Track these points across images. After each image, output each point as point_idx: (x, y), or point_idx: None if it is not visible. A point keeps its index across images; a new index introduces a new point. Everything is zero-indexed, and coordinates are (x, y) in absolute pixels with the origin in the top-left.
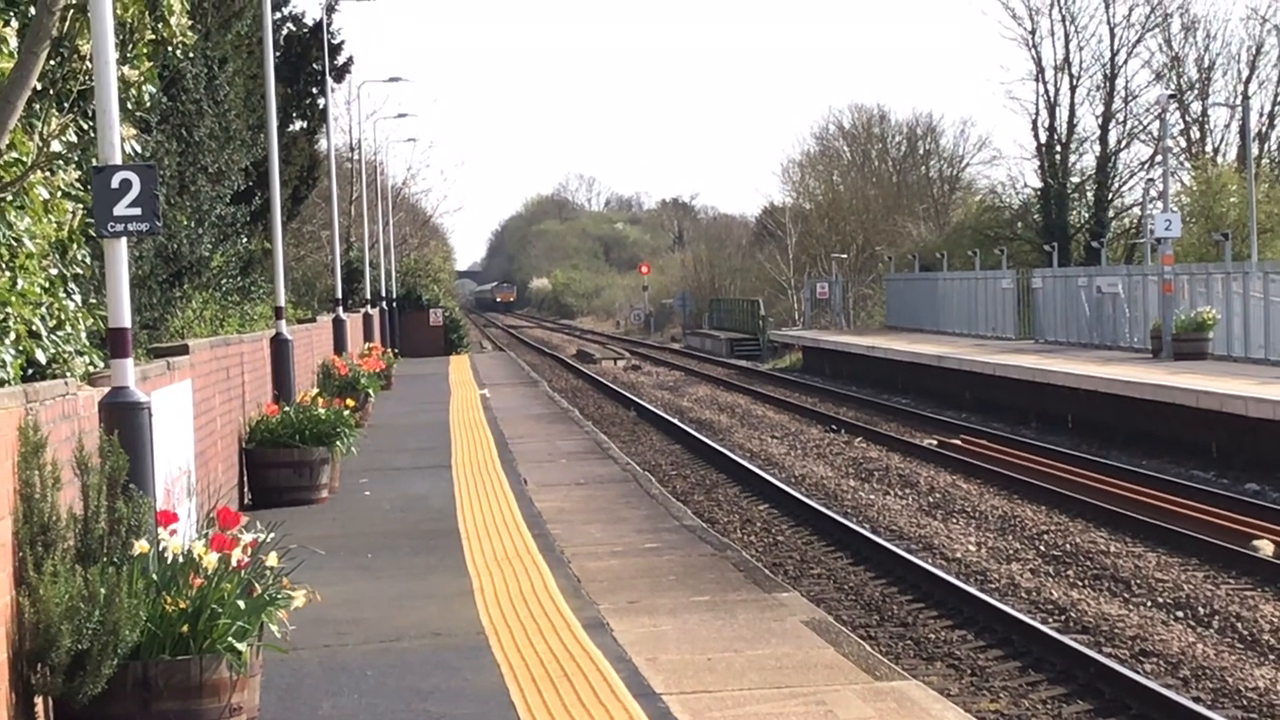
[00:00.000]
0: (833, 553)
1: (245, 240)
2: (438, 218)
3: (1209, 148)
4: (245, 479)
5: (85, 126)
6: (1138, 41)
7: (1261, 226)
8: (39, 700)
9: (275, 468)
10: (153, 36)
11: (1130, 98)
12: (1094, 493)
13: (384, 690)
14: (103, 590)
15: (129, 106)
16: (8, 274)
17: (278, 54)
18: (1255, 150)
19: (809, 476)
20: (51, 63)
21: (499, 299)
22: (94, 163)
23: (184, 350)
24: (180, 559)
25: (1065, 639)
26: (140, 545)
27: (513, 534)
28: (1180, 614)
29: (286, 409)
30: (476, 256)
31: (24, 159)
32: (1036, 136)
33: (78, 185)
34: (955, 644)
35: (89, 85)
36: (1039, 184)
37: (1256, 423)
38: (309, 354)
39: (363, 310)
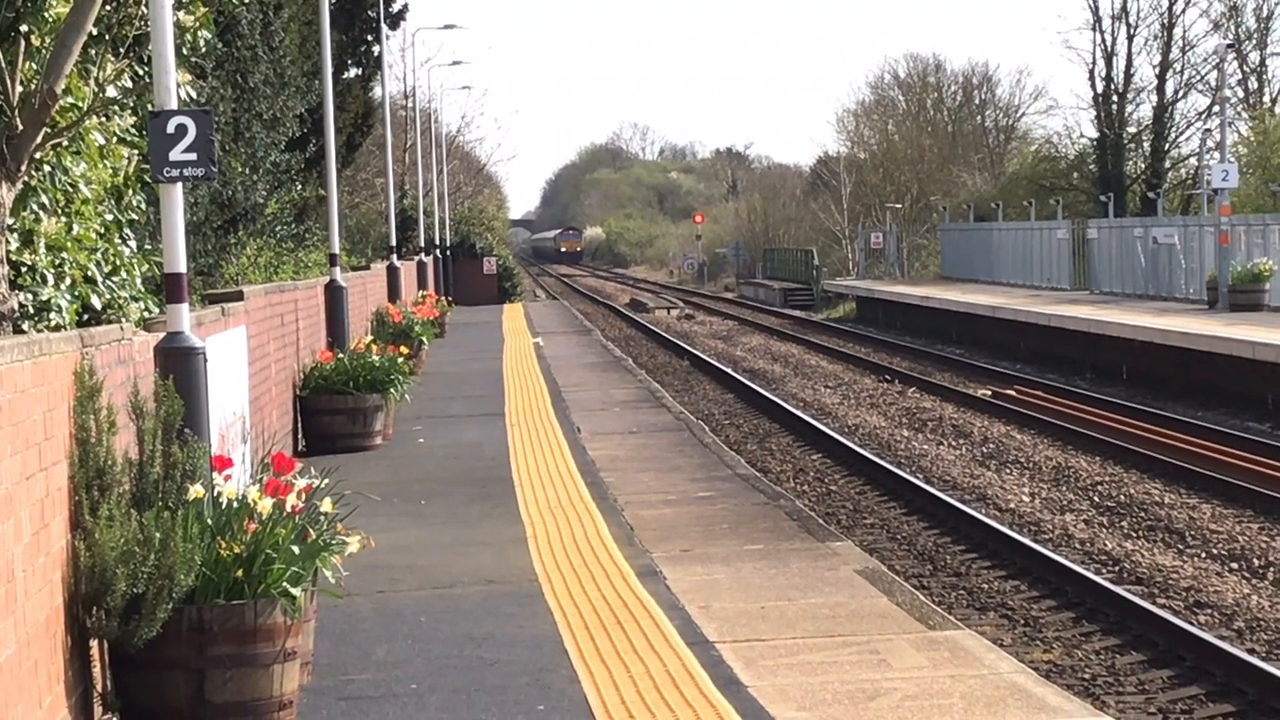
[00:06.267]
0: (886, 502)
1: (300, 187)
2: (491, 166)
3: (1267, 98)
4: (299, 425)
5: (141, 72)
6: None
7: None
8: (94, 643)
9: (329, 414)
10: None
11: (1188, 47)
12: (1148, 444)
13: (437, 636)
14: (158, 534)
15: (184, 52)
16: (64, 219)
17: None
18: None
19: (862, 426)
20: (107, 8)
21: (563, 248)
22: (149, 108)
23: (239, 296)
24: (235, 504)
25: (1119, 590)
26: (195, 490)
27: (566, 482)
28: (1235, 565)
29: (341, 356)
30: (530, 205)
31: (80, 104)
32: (1093, 86)
33: (133, 131)
34: (1008, 594)
35: (144, 30)
36: (1095, 134)
37: None
38: (363, 301)
39: (417, 258)
